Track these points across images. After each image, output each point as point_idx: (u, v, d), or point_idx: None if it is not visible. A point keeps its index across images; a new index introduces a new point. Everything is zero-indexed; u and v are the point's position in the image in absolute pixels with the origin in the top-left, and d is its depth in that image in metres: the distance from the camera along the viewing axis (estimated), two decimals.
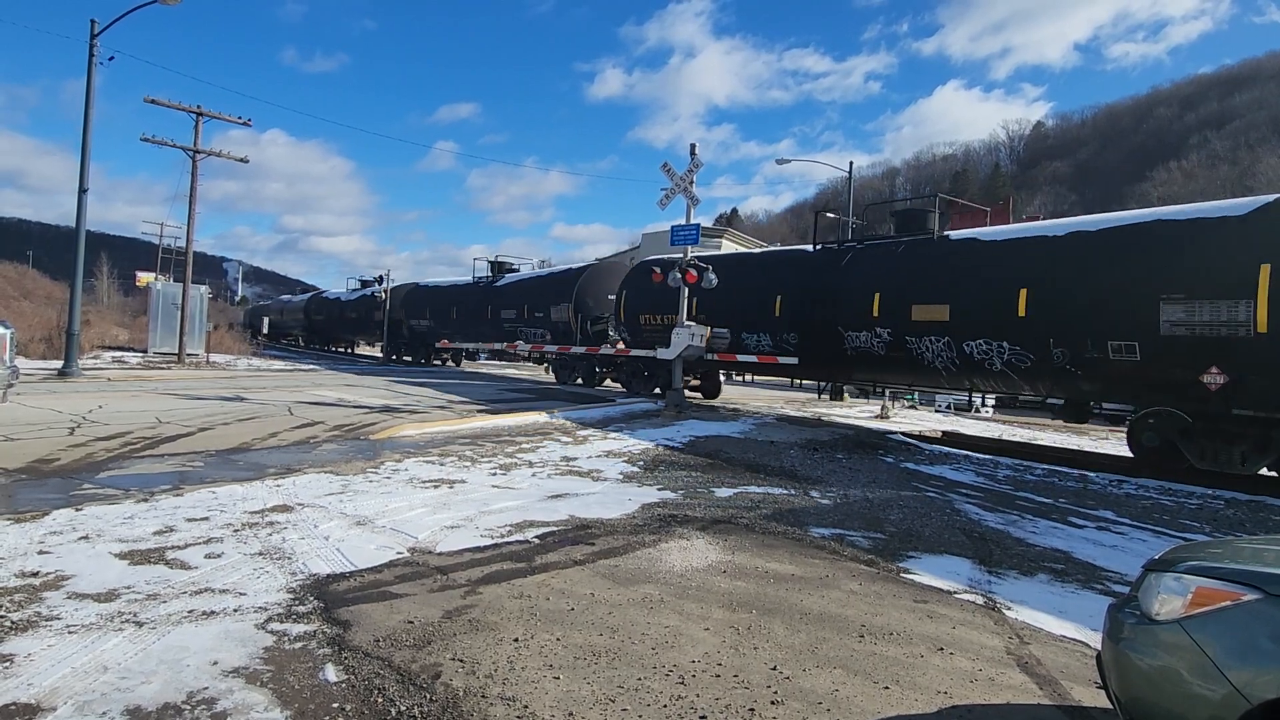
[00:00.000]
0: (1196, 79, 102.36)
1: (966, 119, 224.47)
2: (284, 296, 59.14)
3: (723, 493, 7.81)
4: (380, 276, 35.66)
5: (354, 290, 39.22)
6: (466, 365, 34.23)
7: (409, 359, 34.23)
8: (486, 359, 37.68)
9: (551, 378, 24.06)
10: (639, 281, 19.01)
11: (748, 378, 28.94)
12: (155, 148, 23.47)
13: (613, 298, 20.73)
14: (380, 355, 36.71)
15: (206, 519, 5.57)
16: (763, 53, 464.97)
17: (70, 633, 3.47)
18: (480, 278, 28.56)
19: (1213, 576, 2.51)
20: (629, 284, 19.58)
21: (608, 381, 21.52)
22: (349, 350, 44.32)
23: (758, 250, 18.83)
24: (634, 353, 19.19)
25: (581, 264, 25.95)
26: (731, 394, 22.33)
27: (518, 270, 28.37)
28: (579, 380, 21.94)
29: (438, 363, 33.28)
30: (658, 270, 16.65)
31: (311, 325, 45.26)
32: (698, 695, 3.21)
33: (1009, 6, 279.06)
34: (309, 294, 48.71)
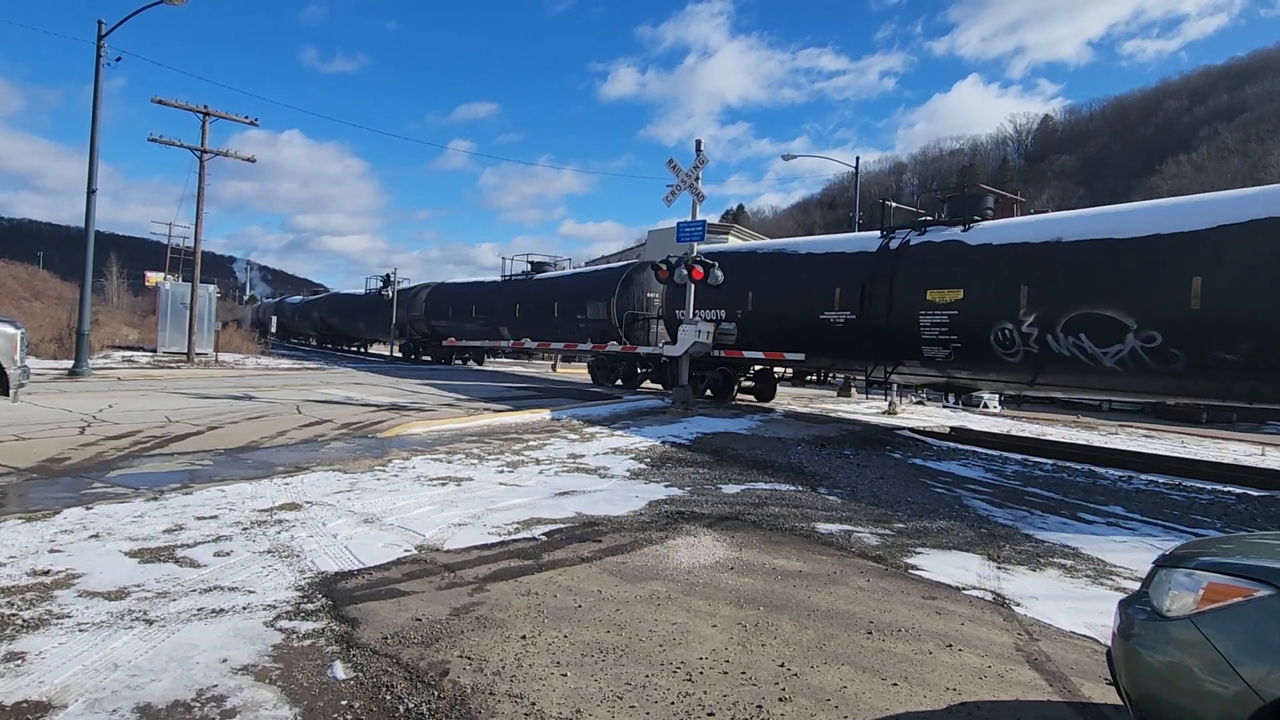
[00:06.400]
0: (1206, 71, 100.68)
1: (981, 116, 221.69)
2: (294, 295, 59.33)
3: (730, 489, 7.80)
4: (387, 276, 35.74)
5: (369, 289, 39.16)
6: (488, 364, 34.16)
7: (428, 358, 34.04)
8: (494, 358, 37.73)
9: (584, 377, 23.55)
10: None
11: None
12: (169, 149, 23.61)
13: (653, 295, 20.43)
14: (390, 354, 36.75)
15: (215, 517, 5.60)
16: (777, 52, 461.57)
17: (81, 630, 3.50)
18: (510, 275, 28.21)
19: (1224, 572, 2.48)
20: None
21: (647, 383, 20.68)
22: (361, 350, 44.36)
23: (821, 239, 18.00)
24: (642, 350, 19.17)
25: (622, 263, 25.32)
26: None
27: (548, 270, 27.65)
28: (618, 381, 21.15)
29: (459, 362, 32.98)
30: (664, 266, 16.59)
31: (323, 324, 45.31)
32: (705, 692, 3.21)
33: (1023, 7, 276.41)
34: (319, 292, 48.85)
